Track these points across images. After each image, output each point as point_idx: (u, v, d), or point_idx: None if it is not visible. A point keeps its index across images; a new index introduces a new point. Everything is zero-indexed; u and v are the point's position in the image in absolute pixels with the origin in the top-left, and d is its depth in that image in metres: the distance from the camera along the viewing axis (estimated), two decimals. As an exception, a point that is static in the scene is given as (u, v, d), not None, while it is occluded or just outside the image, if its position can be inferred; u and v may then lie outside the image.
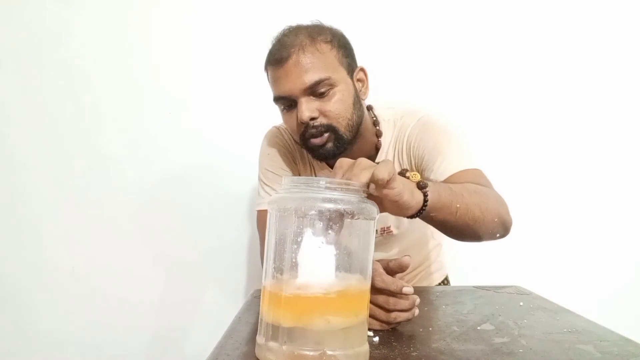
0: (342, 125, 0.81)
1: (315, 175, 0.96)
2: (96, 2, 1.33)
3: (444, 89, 1.38)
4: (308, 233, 0.48)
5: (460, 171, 0.79)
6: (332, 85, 0.80)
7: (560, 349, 0.55)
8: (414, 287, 0.60)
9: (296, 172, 0.97)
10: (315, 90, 0.79)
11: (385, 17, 1.36)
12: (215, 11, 1.34)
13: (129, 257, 1.36)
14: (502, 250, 1.25)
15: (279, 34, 0.83)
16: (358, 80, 0.87)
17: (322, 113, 0.80)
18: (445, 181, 0.77)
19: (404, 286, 0.59)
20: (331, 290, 0.48)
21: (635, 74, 1.42)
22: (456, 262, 1.21)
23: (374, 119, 0.92)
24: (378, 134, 0.91)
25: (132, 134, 1.35)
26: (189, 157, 1.36)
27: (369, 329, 0.58)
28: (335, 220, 0.48)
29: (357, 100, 0.85)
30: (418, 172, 0.83)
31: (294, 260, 0.49)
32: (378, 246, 0.92)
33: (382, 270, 0.61)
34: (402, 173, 0.61)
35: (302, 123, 0.80)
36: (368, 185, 0.52)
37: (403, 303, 0.60)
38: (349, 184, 0.50)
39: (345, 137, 0.82)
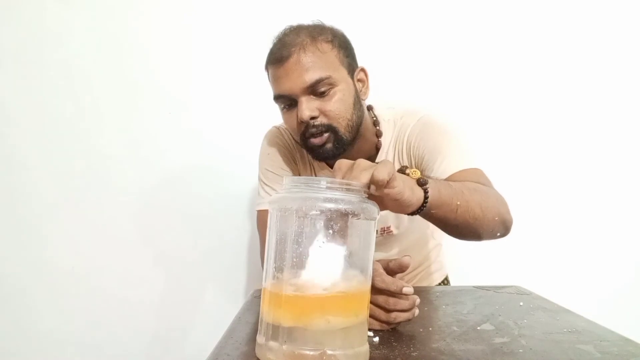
0: (342, 126, 0.81)
1: (315, 175, 0.96)
2: (96, 2, 1.32)
3: (444, 89, 1.38)
4: (309, 233, 0.48)
5: (461, 170, 0.79)
6: (332, 85, 0.80)
7: (560, 349, 0.55)
8: (414, 287, 0.60)
9: (296, 172, 0.97)
10: (316, 90, 0.79)
11: (385, 17, 1.36)
12: (215, 11, 1.34)
13: (129, 257, 1.36)
14: (502, 250, 1.25)
15: (279, 34, 0.83)
16: (358, 80, 0.87)
17: (323, 112, 0.80)
18: (446, 180, 0.77)
19: (404, 286, 0.59)
20: (331, 290, 0.48)
21: (635, 74, 1.42)
22: (456, 262, 1.21)
23: (374, 119, 0.92)
24: (378, 134, 0.91)
25: (132, 134, 1.35)
26: (189, 157, 1.36)
27: (369, 329, 0.58)
28: (336, 220, 0.48)
29: (358, 100, 0.85)
30: (419, 171, 0.83)
31: (294, 260, 0.49)
32: (378, 246, 0.92)
33: (382, 271, 0.61)
34: (402, 170, 0.61)
35: (302, 122, 0.80)
36: (369, 186, 0.52)
37: (403, 303, 0.60)
38: (349, 184, 0.50)
39: (345, 137, 0.82)
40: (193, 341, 1.38)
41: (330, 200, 0.48)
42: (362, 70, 0.88)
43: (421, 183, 0.59)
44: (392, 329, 0.62)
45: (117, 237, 1.36)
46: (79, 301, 1.36)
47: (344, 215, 0.48)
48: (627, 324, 0.73)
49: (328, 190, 0.49)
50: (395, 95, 1.29)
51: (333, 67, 0.80)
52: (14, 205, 1.34)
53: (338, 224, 0.48)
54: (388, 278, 0.60)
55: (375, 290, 0.59)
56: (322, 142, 0.81)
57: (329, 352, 0.46)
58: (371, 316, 0.60)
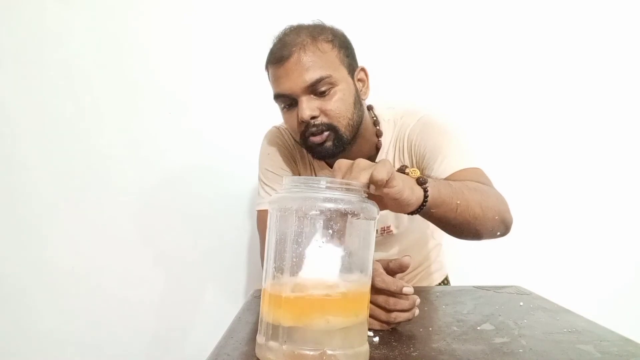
0: (342, 125, 0.81)
1: (315, 175, 0.96)
2: (96, 2, 1.32)
3: (444, 89, 1.38)
4: (308, 233, 0.48)
5: (461, 170, 0.79)
6: (332, 84, 0.80)
7: (560, 349, 0.55)
8: (414, 287, 0.60)
9: (296, 172, 0.97)
10: (316, 89, 0.79)
11: (385, 17, 1.36)
12: (215, 11, 1.34)
13: (129, 257, 1.36)
14: (502, 250, 1.25)
15: (280, 33, 0.83)
16: (359, 80, 0.87)
17: (323, 112, 0.80)
18: (446, 180, 0.77)
19: (404, 286, 0.59)
20: (331, 290, 0.48)
21: (635, 74, 1.42)
22: (456, 262, 1.21)
23: (374, 118, 0.92)
24: (378, 134, 0.91)
25: (132, 134, 1.35)
26: (189, 157, 1.36)
27: (369, 329, 0.58)
28: (335, 220, 0.48)
29: (358, 99, 0.85)
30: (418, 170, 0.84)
31: (294, 260, 0.49)
32: (378, 246, 0.92)
33: (382, 270, 0.61)
34: (402, 169, 0.61)
35: (303, 122, 0.80)
36: (368, 186, 0.52)
37: (403, 303, 0.60)
38: (349, 184, 0.50)
39: (345, 136, 0.82)
40: (193, 341, 1.38)
41: (329, 200, 0.48)
42: (363, 70, 0.88)
43: (421, 182, 0.59)
44: (392, 329, 0.62)
45: (117, 237, 1.36)
46: (79, 301, 1.36)
47: (344, 215, 0.48)
48: (627, 324, 0.73)
49: (328, 190, 0.49)
50: (395, 95, 1.29)
51: (333, 67, 0.80)
52: (14, 205, 1.35)
53: (338, 223, 0.48)
54: (388, 278, 0.60)
55: (375, 290, 0.59)
56: (322, 140, 0.81)
57: (329, 352, 0.46)
58: (371, 316, 0.59)
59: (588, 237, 1.43)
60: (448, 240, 1.11)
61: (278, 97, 0.83)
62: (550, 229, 1.42)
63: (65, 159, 1.34)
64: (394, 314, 0.60)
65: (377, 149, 0.91)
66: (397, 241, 0.99)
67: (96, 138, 1.34)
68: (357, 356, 0.49)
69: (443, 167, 0.80)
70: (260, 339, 0.50)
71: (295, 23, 0.84)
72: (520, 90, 1.40)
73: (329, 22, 0.86)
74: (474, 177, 0.76)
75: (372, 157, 0.91)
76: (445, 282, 1.14)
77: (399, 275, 0.63)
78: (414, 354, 0.53)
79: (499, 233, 0.74)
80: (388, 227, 0.96)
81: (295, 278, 0.49)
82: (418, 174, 0.61)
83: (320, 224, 0.48)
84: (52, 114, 1.33)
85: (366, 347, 0.51)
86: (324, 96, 0.80)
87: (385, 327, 0.61)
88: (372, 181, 0.51)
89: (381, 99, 0.96)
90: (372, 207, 0.51)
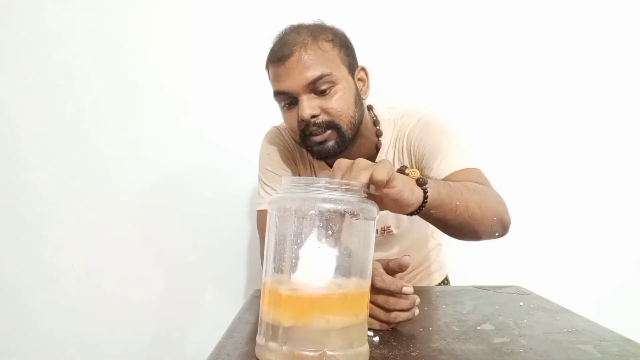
0: (344, 123, 0.81)
1: (316, 175, 0.96)
2: (96, 2, 1.33)
3: (444, 89, 1.38)
4: (308, 233, 0.48)
5: (460, 170, 0.79)
6: (333, 83, 0.80)
7: (560, 349, 0.55)
8: (413, 287, 0.60)
9: (296, 172, 0.97)
10: (317, 88, 0.79)
11: (385, 17, 1.36)
12: (215, 11, 1.34)
13: (129, 257, 1.36)
14: (502, 250, 1.25)
15: (280, 33, 0.84)
16: (359, 79, 0.87)
17: (324, 110, 0.80)
18: (445, 180, 0.77)
19: (404, 286, 0.59)
20: (331, 290, 0.48)
21: (635, 74, 1.42)
22: (456, 262, 1.21)
23: (374, 118, 0.92)
24: (378, 134, 0.91)
25: (132, 134, 1.35)
26: (189, 157, 1.36)
27: (369, 329, 0.58)
28: (335, 220, 0.48)
29: (358, 99, 0.85)
30: (418, 171, 0.84)
31: (293, 260, 0.49)
32: (378, 246, 0.92)
33: (382, 270, 0.61)
34: (402, 170, 0.61)
35: (303, 121, 0.80)
36: (368, 186, 0.52)
37: (403, 303, 0.60)
38: (349, 184, 0.50)
39: (347, 134, 0.82)
40: (193, 341, 1.38)
41: (329, 200, 0.48)
42: (363, 69, 0.88)
43: (420, 183, 0.59)
44: (392, 328, 0.62)
45: (117, 237, 1.36)
46: (79, 301, 1.36)
47: (343, 215, 0.48)
48: (627, 324, 0.73)
49: (327, 190, 0.49)
50: (395, 95, 1.29)
51: (334, 66, 0.80)
52: (14, 205, 1.35)
53: (337, 224, 0.48)
54: (388, 278, 0.60)
55: (375, 289, 0.59)
56: (324, 139, 0.81)
57: (329, 352, 0.46)
58: (371, 316, 0.59)
59: (588, 237, 1.43)
60: (448, 240, 1.10)
61: (278, 94, 0.83)
62: (550, 229, 1.42)
63: (65, 158, 1.34)
64: (393, 314, 0.60)
65: (377, 148, 0.91)
66: (397, 241, 0.99)
67: (96, 138, 1.35)
68: (357, 356, 0.49)
69: (442, 167, 0.80)
70: (260, 339, 0.50)
71: (295, 23, 0.84)
72: (520, 91, 1.40)
73: (329, 22, 0.86)
74: (473, 177, 0.76)
75: (372, 157, 0.91)
76: (445, 282, 1.14)
77: (398, 275, 0.63)
78: (414, 354, 0.53)
79: (497, 234, 0.74)
80: (388, 227, 0.96)
81: (295, 278, 0.49)
82: (418, 174, 0.61)
83: (319, 224, 0.48)
84: (52, 114, 1.33)
85: (366, 347, 0.51)
86: (325, 95, 0.80)
87: (385, 327, 0.61)
88: (372, 181, 0.51)
89: (381, 99, 0.96)
90: (372, 207, 0.51)
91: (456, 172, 0.78)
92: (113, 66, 1.34)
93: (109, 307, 1.37)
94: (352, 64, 0.85)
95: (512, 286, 0.87)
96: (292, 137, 0.95)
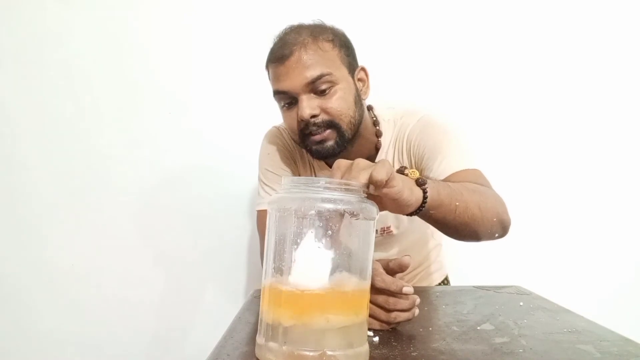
0: (344, 123, 0.81)
1: (315, 175, 0.96)
2: (96, 2, 1.32)
3: (444, 89, 1.38)
4: (308, 233, 0.48)
5: (460, 171, 0.79)
6: (333, 83, 0.80)
7: (560, 349, 0.55)
8: (413, 287, 0.60)
9: (296, 172, 0.97)
10: (317, 88, 0.79)
11: (385, 17, 1.36)
12: (215, 11, 1.34)
13: (129, 257, 1.36)
14: (502, 250, 1.25)
15: (280, 33, 0.84)
16: (359, 79, 0.87)
17: (324, 110, 0.80)
18: (445, 180, 0.77)
19: (404, 286, 0.59)
20: (331, 290, 0.48)
21: (635, 74, 1.42)
22: (456, 262, 1.21)
23: (374, 119, 0.92)
24: (378, 134, 0.91)
25: (132, 134, 1.35)
26: (189, 157, 1.36)
27: (369, 329, 0.58)
28: (335, 220, 0.48)
29: (358, 99, 0.85)
30: (418, 171, 0.84)
31: (293, 260, 0.49)
32: (378, 246, 0.92)
33: (382, 270, 0.61)
34: (401, 170, 0.61)
35: (303, 120, 0.80)
36: (368, 186, 0.52)
37: (403, 303, 0.60)
38: (348, 184, 0.50)
39: (347, 134, 0.82)
40: (193, 341, 1.38)
41: (329, 200, 0.48)
42: (363, 69, 0.88)
43: (420, 183, 0.59)
44: (392, 328, 0.62)
45: (117, 237, 1.36)
46: (79, 301, 1.36)
47: (343, 215, 0.48)
48: (627, 324, 0.73)
49: (327, 190, 0.49)
50: (395, 95, 1.29)
51: (334, 66, 0.80)
52: (14, 205, 1.35)
53: (337, 224, 0.48)
54: (388, 278, 0.60)
55: (375, 290, 0.59)
56: (323, 138, 0.81)
57: (329, 352, 0.46)
58: (371, 316, 0.59)
59: (588, 237, 1.43)
60: (448, 241, 1.09)
61: (277, 94, 0.83)
62: (550, 229, 1.42)
63: (65, 158, 1.34)
64: (394, 314, 0.60)
65: (377, 149, 0.91)
66: (397, 241, 0.99)
67: (96, 138, 1.35)
68: (357, 356, 0.49)
69: (442, 167, 0.80)
70: (260, 339, 0.50)
71: (295, 23, 0.84)
72: (520, 91, 1.40)
73: (329, 22, 0.86)
74: (473, 178, 0.76)
75: (371, 157, 0.91)
76: (445, 282, 1.14)
77: (398, 275, 0.63)
78: (414, 354, 0.53)
79: (497, 235, 0.74)
80: (388, 228, 0.96)
81: (295, 278, 0.49)
82: (417, 174, 0.61)
83: (319, 224, 0.48)
84: (52, 114, 1.33)
85: (366, 347, 0.51)
86: (324, 95, 0.80)
87: (385, 327, 0.61)
88: (371, 181, 0.51)
89: (381, 99, 0.96)
90: (372, 207, 0.51)
91: (456, 172, 0.78)
92: (113, 66, 1.34)
93: (109, 307, 1.37)
94: (352, 64, 0.85)
95: (512, 286, 0.87)
96: (291, 137, 0.95)
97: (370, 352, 0.52)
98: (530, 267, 1.36)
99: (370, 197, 0.53)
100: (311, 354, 0.46)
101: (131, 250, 1.36)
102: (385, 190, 0.53)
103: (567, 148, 1.42)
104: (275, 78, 0.82)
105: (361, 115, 0.85)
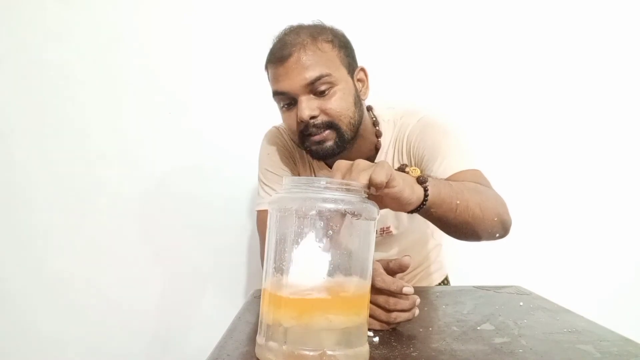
0: (344, 123, 0.81)
1: (315, 175, 0.96)
2: (96, 2, 1.32)
3: (444, 89, 1.38)
4: (308, 233, 0.48)
5: (460, 171, 0.79)
6: (332, 84, 0.80)
7: (560, 349, 0.55)
8: (413, 287, 0.60)
9: (296, 172, 0.97)
10: (316, 88, 0.79)
11: (385, 17, 1.36)
12: (215, 11, 1.34)
13: (129, 257, 1.36)
14: (502, 250, 1.25)
15: (280, 33, 0.84)
16: (358, 80, 0.87)
17: (323, 111, 0.80)
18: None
19: (404, 286, 0.59)
20: (331, 290, 0.48)
21: (635, 74, 1.42)
22: (456, 262, 1.21)
23: (374, 119, 0.92)
24: (378, 134, 0.91)
25: (132, 134, 1.35)
26: (189, 157, 1.36)
27: (369, 329, 0.58)
28: (335, 220, 0.48)
29: (358, 99, 0.85)
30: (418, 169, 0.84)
31: (294, 260, 0.49)
32: (377, 246, 0.91)
33: (382, 270, 0.61)
34: (402, 168, 0.61)
35: (302, 122, 0.80)
36: (368, 187, 0.52)
37: (403, 303, 0.60)
38: (349, 184, 0.50)
39: (346, 135, 0.82)
40: (193, 341, 1.38)
41: (329, 200, 0.48)
42: (362, 70, 0.88)
43: (421, 181, 0.60)
44: (392, 329, 0.62)
45: (117, 237, 1.36)
46: (79, 302, 1.36)
47: (344, 215, 0.48)
48: (627, 324, 0.73)
49: (327, 190, 0.49)
50: (395, 95, 1.29)
51: (334, 66, 0.80)
52: (13, 206, 1.35)
53: (338, 224, 0.48)
54: (388, 278, 0.60)
55: (375, 290, 0.59)
56: (322, 138, 0.81)
57: (329, 352, 0.46)
58: (371, 316, 0.59)
59: (588, 237, 1.43)
60: (448, 241, 1.10)
61: (277, 94, 0.83)
62: (550, 229, 1.42)
63: (64, 159, 1.34)
64: (394, 314, 0.60)
65: (377, 149, 0.91)
66: (396, 241, 0.99)
67: (96, 138, 1.34)
68: (357, 356, 0.49)
69: (443, 167, 0.80)
70: (260, 339, 0.50)
71: (295, 23, 0.84)
72: (520, 91, 1.40)
73: (329, 22, 0.86)
74: (473, 178, 0.76)
75: (371, 158, 0.91)
76: (445, 282, 1.14)
77: (398, 275, 0.63)
78: (414, 354, 0.53)
79: (497, 235, 0.74)
80: (388, 228, 0.96)
81: (296, 278, 0.49)
82: (418, 172, 0.61)
83: (320, 224, 0.48)
84: (52, 114, 1.33)
85: (366, 347, 0.51)
86: (324, 96, 0.80)
87: (385, 327, 0.61)
88: (371, 184, 0.51)
89: (381, 99, 0.96)
90: (372, 207, 0.51)
91: (456, 173, 0.78)
92: (113, 66, 1.34)
93: (109, 307, 1.37)
94: (351, 65, 0.85)
95: (512, 286, 0.87)
96: (291, 137, 0.95)
97: (370, 352, 0.52)
98: (530, 267, 1.36)
99: (371, 196, 0.53)
100: (311, 353, 0.46)
101: (131, 250, 1.36)
102: (386, 190, 0.53)
103: (567, 148, 1.42)
104: (274, 79, 0.82)
105: (361, 116, 0.85)
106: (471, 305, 0.74)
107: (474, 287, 0.86)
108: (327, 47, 0.81)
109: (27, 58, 1.32)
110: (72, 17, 1.32)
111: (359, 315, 0.50)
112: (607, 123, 1.42)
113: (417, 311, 0.62)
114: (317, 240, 0.48)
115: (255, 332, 0.53)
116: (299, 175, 0.97)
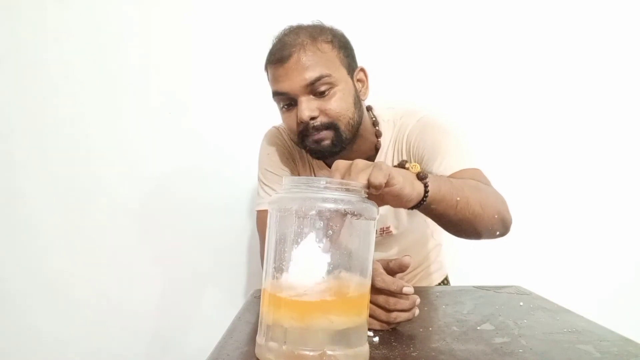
0: (343, 124, 0.81)
1: (315, 175, 0.96)
2: (96, 2, 1.32)
3: (443, 89, 1.38)
4: (308, 233, 0.48)
5: (460, 170, 0.79)
6: (332, 84, 0.80)
7: (560, 349, 0.55)
8: (413, 287, 0.60)
9: (295, 172, 0.97)
10: (316, 89, 0.79)
11: (385, 17, 1.36)
12: (215, 11, 1.34)
13: (129, 257, 1.36)
14: (502, 250, 1.25)
15: (279, 34, 0.84)
16: (358, 80, 0.87)
17: (323, 112, 0.80)
18: None
19: (404, 286, 0.59)
20: (331, 291, 0.48)
21: (635, 74, 1.42)
22: (456, 262, 1.21)
23: (374, 119, 0.92)
24: (377, 134, 0.91)
25: (132, 134, 1.35)
26: (188, 157, 1.36)
27: (369, 329, 0.58)
28: (335, 220, 0.48)
29: (357, 100, 0.85)
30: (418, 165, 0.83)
31: (293, 260, 0.49)
32: (377, 246, 0.91)
33: (382, 270, 0.61)
34: (402, 164, 0.61)
35: (302, 122, 0.80)
36: (368, 187, 0.52)
37: (403, 303, 0.60)
38: (348, 184, 0.50)
39: (345, 135, 0.82)
40: (193, 341, 1.38)
41: (329, 200, 0.48)
42: (362, 70, 0.88)
43: (421, 177, 0.60)
44: (392, 329, 0.62)
45: (117, 237, 1.36)
46: (79, 301, 1.36)
47: (344, 215, 0.48)
48: (627, 324, 0.73)
49: (327, 190, 0.49)
50: (395, 95, 1.29)
51: (333, 67, 0.80)
52: (13, 206, 1.34)
53: (337, 224, 0.48)
54: (388, 278, 0.60)
55: (375, 290, 0.59)
56: (321, 137, 0.81)
57: (329, 352, 0.46)
58: (371, 316, 0.59)
59: (588, 237, 1.43)
60: (448, 241, 1.11)
61: (277, 95, 0.83)
62: (550, 229, 1.42)
63: (64, 159, 1.34)
64: (394, 314, 0.60)
65: (377, 149, 0.91)
66: (396, 241, 0.99)
67: (95, 138, 1.34)
68: (357, 356, 0.49)
69: (443, 167, 0.80)
70: (260, 339, 0.50)
71: (294, 23, 0.84)
72: (520, 91, 1.40)
73: (328, 22, 0.86)
74: (473, 177, 0.76)
75: (371, 158, 0.91)
76: (445, 282, 1.14)
77: (398, 275, 0.63)
78: (414, 354, 0.53)
79: (498, 233, 0.74)
80: (387, 228, 0.95)
81: (296, 278, 0.49)
82: (418, 168, 0.61)
83: (320, 224, 0.48)
84: (51, 114, 1.33)
85: (366, 347, 0.51)
86: (324, 96, 0.80)
87: (385, 327, 0.61)
88: (370, 186, 0.51)
89: (381, 99, 0.96)
90: (372, 207, 0.51)
91: (456, 172, 0.78)
92: (113, 66, 1.34)
93: (109, 307, 1.37)
94: (351, 65, 0.85)
95: (512, 286, 0.86)
96: (290, 137, 0.95)
97: (370, 352, 0.52)
98: (530, 267, 1.36)
99: (371, 194, 0.53)
100: (311, 354, 0.46)
101: (131, 250, 1.36)
102: (386, 189, 0.53)
103: (567, 148, 1.42)
104: (274, 79, 0.82)
105: (360, 116, 0.85)
106: (471, 305, 0.74)
107: (474, 287, 0.86)
108: (326, 47, 0.81)
109: (27, 58, 1.32)
110: (71, 17, 1.32)
111: (360, 316, 0.50)
112: (606, 123, 1.42)
113: (417, 311, 0.62)
114: (317, 240, 0.48)
115: (255, 332, 0.52)
116: (298, 175, 0.97)
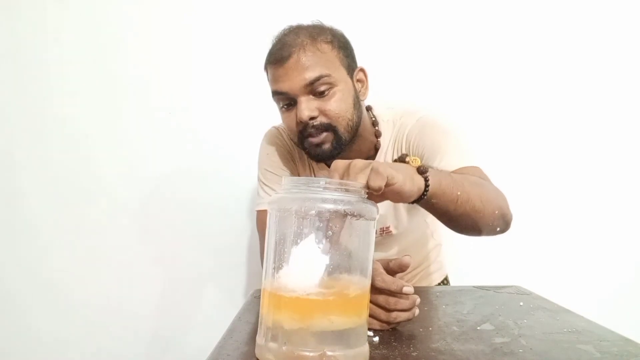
0: (341, 125, 0.81)
1: (314, 176, 0.96)
2: (95, 2, 1.32)
3: (443, 89, 1.38)
4: (308, 234, 0.48)
5: (460, 168, 0.79)
6: (332, 84, 0.80)
7: (560, 349, 0.55)
8: (413, 287, 0.60)
9: (295, 173, 0.97)
10: (315, 89, 0.79)
11: (385, 17, 1.36)
12: (215, 11, 1.34)
13: (128, 257, 1.36)
14: (502, 250, 1.25)
15: (279, 34, 0.84)
16: (358, 80, 0.87)
17: (322, 112, 0.80)
18: None
19: (404, 286, 0.59)
20: (331, 291, 0.48)
21: (635, 74, 1.42)
22: (456, 262, 1.21)
23: (373, 119, 0.92)
24: (377, 134, 0.91)
25: (132, 134, 1.35)
26: (188, 157, 1.36)
27: (369, 329, 0.58)
28: (335, 220, 0.48)
29: (357, 100, 0.85)
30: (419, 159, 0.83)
31: (293, 261, 0.49)
32: (377, 246, 0.91)
33: (382, 270, 0.61)
34: (402, 158, 0.61)
35: (301, 122, 0.80)
36: (367, 187, 0.52)
37: (403, 303, 0.60)
38: (348, 184, 0.50)
39: (344, 137, 0.82)
40: (193, 341, 1.38)
41: (329, 200, 0.48)
42: (362, 70, 0.88)
43: (421, 171, 0.60)
44: (392, 328, 0.62)
45: (116, 237, 1.36)
46: (79, 302, 1.36)
47: (343, 215, 0.48)
48: (627, 324, 0.73)
49: (327, 190, 0.49)
50: (395, 95, 1.29)
51: (333, 67, 0.80)
52: (13, 206, 1.34)
53: (337, 224, 0.48)
54: (388, 277, 0.60)
55: (375, 289, 0.59)
56: (320, 141, 0.81)
57: (329, 352, 0.46)
58: (371, 316, 0.59)
59: (588, 237, 1.43)
60: (448, 241, 1.11)
61: (276, 95, 0.83)
62: (550, 228, 1.42)
63: (64, 159, 1.34)
64: (394, 314, 0.60)
65: (376, 149, 0.91)
66: (396, 241, 0.99)
67: (95, 138, 1.34)
68: (357, 356, 0.49)
69: (442, 165, 0.80)
70: (260, 339, 0.50)
71: (294, 23, 0.84)
72: (520, 90, 1.40)
73: (328, 22, 0.86)
74: (473, 175, 0.76)
75: (371, 158, 0.91)
76: (445, 282, 1.14)
77: (398, 274, 0.63)
78: (414, 354, 0.53)
79: (498, 229, 0.74)
80: (387, 228, 0.95)
81: (295, 279, 0.48)
82: (419, 162, 0.61)
83: (319, 224, 0.48)
84: (51, 114, 1.33)
85: (366, 347, 0.51)
86: (323, 96, 0.80)
87: (385, 327, 0.61)
88: (369, 189, 0.51)
89: (380, 99, 0.96)
90: (372, 207, 0.51)
91: (456, 170, 0.78)
92: (113, 66, 1.34)
93: (109, 307, 1.37)
94: (351, 65, 0.85)
95: (512, 286, 0.86)
96: (290, 137, 0.95)
97: (370, 352, 0.52)
98: (530, 267, 1.36)
99: (370, 194, 0.53)
100: (311, 354, 0.46)
101: (131, 250, 1.36)
102: (386, 189, 0.53)
103: (567, 148, 1.42)
104: (274, 79, 0.82)
105: (360, 117, 0.85)
106: (471, 305, 0.74)
107: (474, 287, 0.86)
108: (326, 47, 0.81)
109: (27, 58, 1.32)
110: (71, 17, 1.32)
111: (360, 316, 0.50)
112: (606, 123, 1.42)
113: (417, 311, 0.62)
114: (317, 240, 0.48)
115: (255, 332, 0.52)
116: (298, 175, 0.97)
